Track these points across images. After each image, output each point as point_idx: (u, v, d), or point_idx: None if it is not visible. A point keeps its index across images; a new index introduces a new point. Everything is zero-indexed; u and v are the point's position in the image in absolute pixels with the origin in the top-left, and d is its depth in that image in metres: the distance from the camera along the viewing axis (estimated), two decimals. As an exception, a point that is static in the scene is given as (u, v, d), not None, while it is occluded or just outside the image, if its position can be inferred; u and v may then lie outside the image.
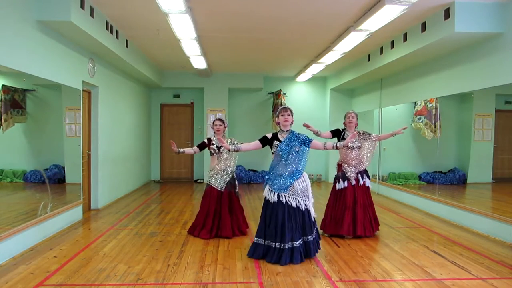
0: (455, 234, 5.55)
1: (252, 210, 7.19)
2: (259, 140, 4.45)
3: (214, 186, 5.31)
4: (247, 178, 11.16)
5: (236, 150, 4.48)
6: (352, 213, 5.22)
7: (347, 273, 3.96)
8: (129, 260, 4.32)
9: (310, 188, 4.42)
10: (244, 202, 7.98)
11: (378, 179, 9.27)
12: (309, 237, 4.36)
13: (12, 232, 4.39)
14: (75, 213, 6.07)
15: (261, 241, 4.36)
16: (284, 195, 4.30)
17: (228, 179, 5.34)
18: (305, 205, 4.34)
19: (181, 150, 5.21)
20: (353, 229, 5.19)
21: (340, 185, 5.38)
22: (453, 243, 5.09)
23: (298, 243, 4.26)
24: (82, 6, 5.09)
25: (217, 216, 5.27)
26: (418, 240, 5.19)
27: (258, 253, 4.36)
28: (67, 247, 4.78)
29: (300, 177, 4.35)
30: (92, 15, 5.43)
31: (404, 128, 5.45)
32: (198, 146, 5.39)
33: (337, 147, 4.45)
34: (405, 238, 5.30)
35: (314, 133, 5.02)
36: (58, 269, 4.00)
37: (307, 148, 4.36)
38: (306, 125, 4.81)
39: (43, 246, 4.82)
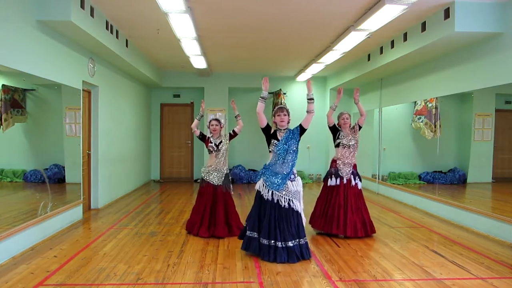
0: (455, 233, 5.55)
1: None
2: (267, 125, 4.49)
3: (212, 182, 5.34)
4: (247, 178, 11.14)
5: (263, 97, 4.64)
6: (344, 212, 5.23)
7: (347, 273, 3.96)
8: (129, 259, 4.32)
9: (301, 194, 4.45)
10: (244, 202, 7.98)
11: (378, 179, 9.26)
12: (301, 240, 4.35)
13: (12, 232, 4.39)
14: (75, 213, 6.07)
15: (255, 234, 4.35)
16: (278, 194, 4.31)
17: (223, 177, 5.37)
18: (298, 207, 4.36)
19: (199, 116, 5.56)
20: (343, 229, 5.18)
21: (332, 181, 5.38)
22: (453, 242, 5.09)
23: (292, 244, 4.25)
24: (82, 6, 5.09)
25: (213, 214, 5.29)
26: (418, 240, 5.19)
27: (253, 246, 4.33)
28: (67, 247, 4.78)
29: (294, 180, 4.38)
30: (92, 14, 5.43)
31: (357, 89, 5.49)
32: (200, 133, 5.45)
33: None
34: (405, 238, 5.31)
35: (333, 105, 5.37)
36: (58, 269, 4.00)
37: (298, 139, 4.37)
38: (338, 92, 5.37)
39: (43, 245, 4.82)
